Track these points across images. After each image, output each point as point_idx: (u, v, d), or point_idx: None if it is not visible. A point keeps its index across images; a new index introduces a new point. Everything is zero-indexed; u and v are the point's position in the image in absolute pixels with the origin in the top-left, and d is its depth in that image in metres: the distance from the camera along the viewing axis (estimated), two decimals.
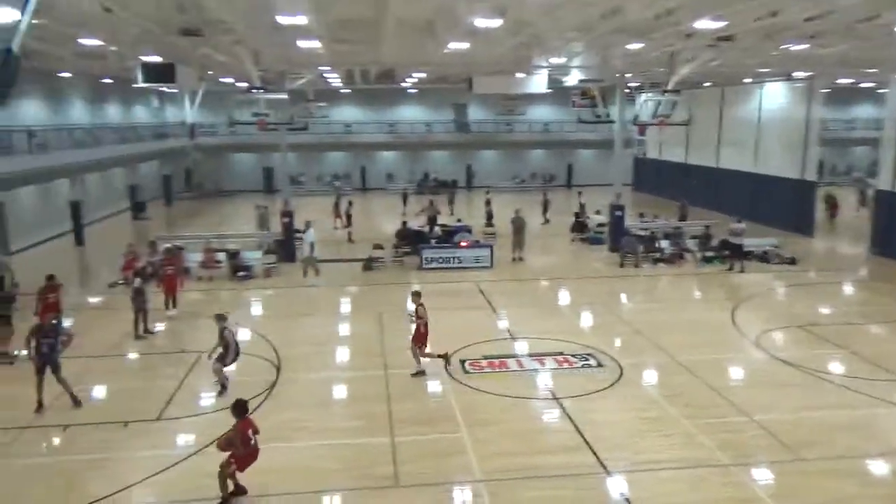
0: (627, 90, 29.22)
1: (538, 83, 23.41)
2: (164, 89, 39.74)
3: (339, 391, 12.51)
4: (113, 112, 36.81)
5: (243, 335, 15.36)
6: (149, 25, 15.76)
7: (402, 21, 16.45)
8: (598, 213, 27.96)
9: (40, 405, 11.35)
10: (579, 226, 27.49)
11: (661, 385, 12.59)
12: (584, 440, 10.25)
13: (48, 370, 11.34)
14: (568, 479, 9.22)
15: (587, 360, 13.79)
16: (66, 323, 14.84)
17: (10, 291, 16.34)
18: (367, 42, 21.40)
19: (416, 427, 10.76)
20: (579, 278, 21.63)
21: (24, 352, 11.90)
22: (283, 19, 14.78)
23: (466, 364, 13.48)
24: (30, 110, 26.92)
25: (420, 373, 12.89)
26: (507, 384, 12.54)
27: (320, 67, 27.53)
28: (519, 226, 23.61)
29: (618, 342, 15.06)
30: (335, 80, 36.30)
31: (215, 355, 12.05)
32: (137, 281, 15.87)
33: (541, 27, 16.61)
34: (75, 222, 27.75)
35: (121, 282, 19.81)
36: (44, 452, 10.25)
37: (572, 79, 26.00)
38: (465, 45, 18.96)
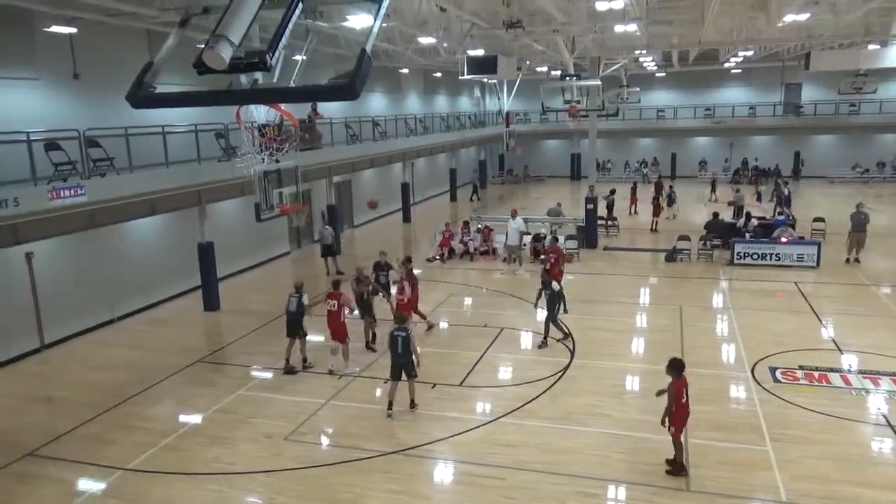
0: None
1: None
2: (485, 80, 42.52)
3: (633, 383, 12.22)
4: (441, 102, 40.72)
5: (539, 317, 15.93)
6: (476, 20, 17.04)
7: None
8: None
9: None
10: None
11: None
12: None
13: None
14: None
15: None
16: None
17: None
18: (688, 21, 20.36)
19: (713, 432, 10.04)
20: None
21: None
22: (601, 5, 14.83)
23: (777, 373, 12.16)
24: (374, 103, 31.09)
25: (430, 326, 15.09)
26: (827, 401, 11.02)
27: (636, 51, 26.94)
28: (859, 222, 20.37)
29: None
30: (650, 63, 35.25)
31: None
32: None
33: None
34: (404, 202, 31.39)
35: (437, 257, 21.94)
36: (367, 399, 11.82)
37: None
38: (803, 17, 16.95)
